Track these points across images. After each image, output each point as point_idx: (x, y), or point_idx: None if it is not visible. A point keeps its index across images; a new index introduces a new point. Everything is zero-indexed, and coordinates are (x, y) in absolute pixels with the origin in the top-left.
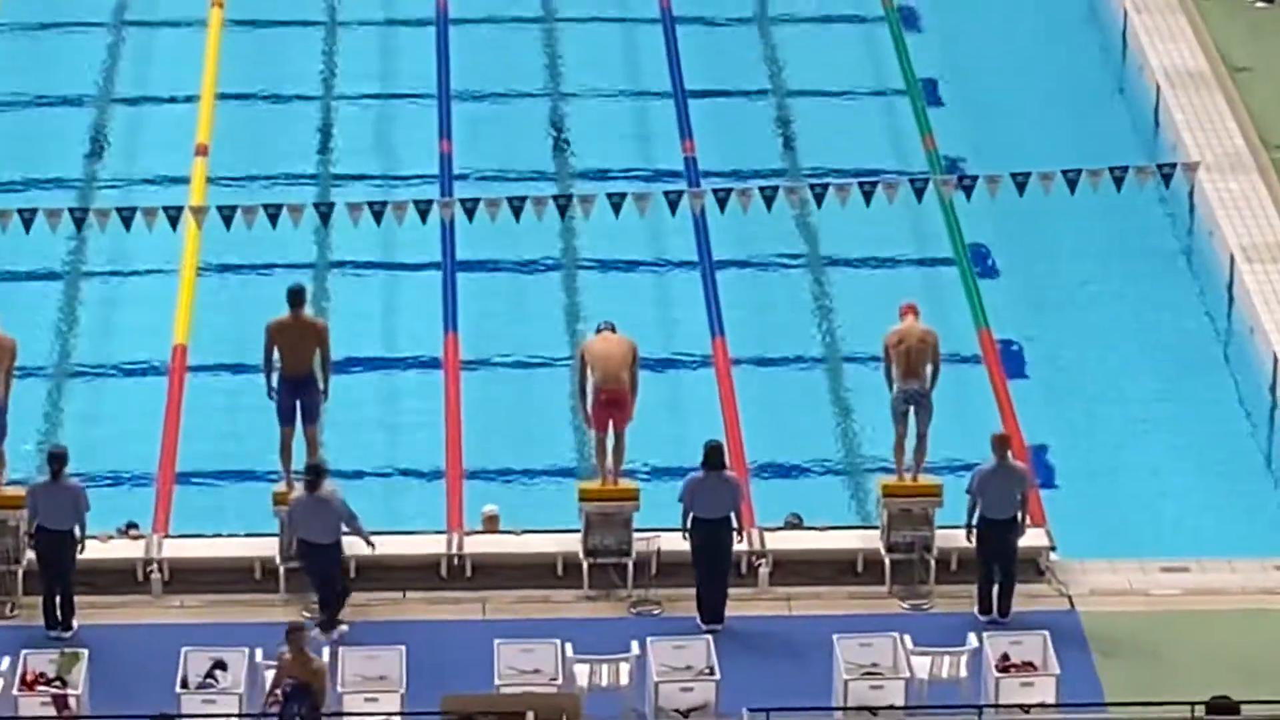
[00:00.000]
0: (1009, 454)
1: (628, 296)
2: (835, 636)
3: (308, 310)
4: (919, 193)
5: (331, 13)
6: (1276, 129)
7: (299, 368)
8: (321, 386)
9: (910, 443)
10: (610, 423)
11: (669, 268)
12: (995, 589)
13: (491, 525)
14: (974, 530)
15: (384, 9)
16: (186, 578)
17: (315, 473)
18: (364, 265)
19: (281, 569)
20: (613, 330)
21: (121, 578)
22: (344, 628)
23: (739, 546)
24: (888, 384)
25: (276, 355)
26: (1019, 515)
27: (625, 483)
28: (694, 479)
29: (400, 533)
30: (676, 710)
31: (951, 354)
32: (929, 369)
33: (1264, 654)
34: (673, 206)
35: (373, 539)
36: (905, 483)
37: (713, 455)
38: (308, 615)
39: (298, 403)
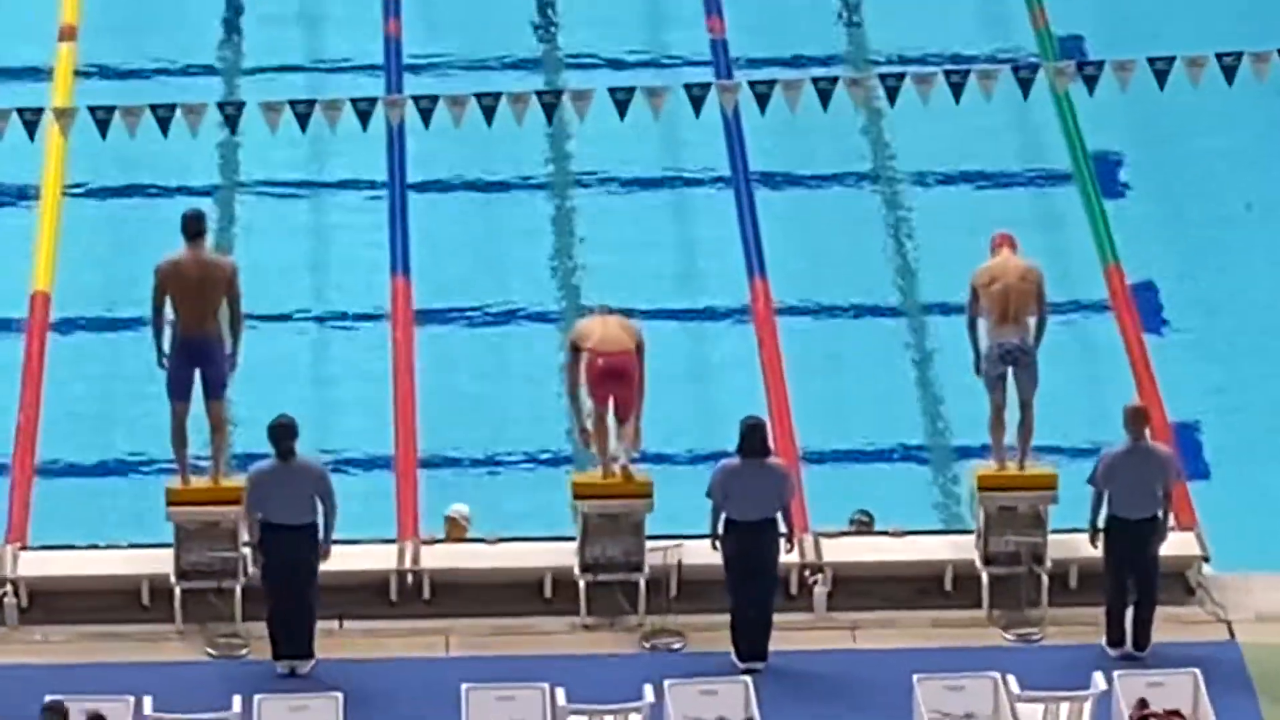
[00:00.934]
0: (1147, 433)
1: (637, 225)
2: (916, 677)
3: (210, 246)
4: (1025, 85)
5: None
6: None
7: (199, 324)
8: (229, 350)
9: (1013, 417)
10: (611, 401)
11: (692, 187)
12: (1130, 612)
13: (457, 531)
14: (1101, 534)
15: None
16: (50, 603)
17: (286, 434)
18: (285, 187)
19: (178, 590)
20: (610, 314)
21: None
22: (313, 662)
23: (788, 558)
24: (971, 341)
25: (169, 308)
26: (1161, 514)
27: (636, 475)
28: (728, 468)
29: (336, 541)
30: None
31: (1066, 299)
32: (1032, 318)
33: None
34: (696, 105)
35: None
36: (1007, 472)
37: (752, 437)
38: (217, 650)
39: (197, 372)
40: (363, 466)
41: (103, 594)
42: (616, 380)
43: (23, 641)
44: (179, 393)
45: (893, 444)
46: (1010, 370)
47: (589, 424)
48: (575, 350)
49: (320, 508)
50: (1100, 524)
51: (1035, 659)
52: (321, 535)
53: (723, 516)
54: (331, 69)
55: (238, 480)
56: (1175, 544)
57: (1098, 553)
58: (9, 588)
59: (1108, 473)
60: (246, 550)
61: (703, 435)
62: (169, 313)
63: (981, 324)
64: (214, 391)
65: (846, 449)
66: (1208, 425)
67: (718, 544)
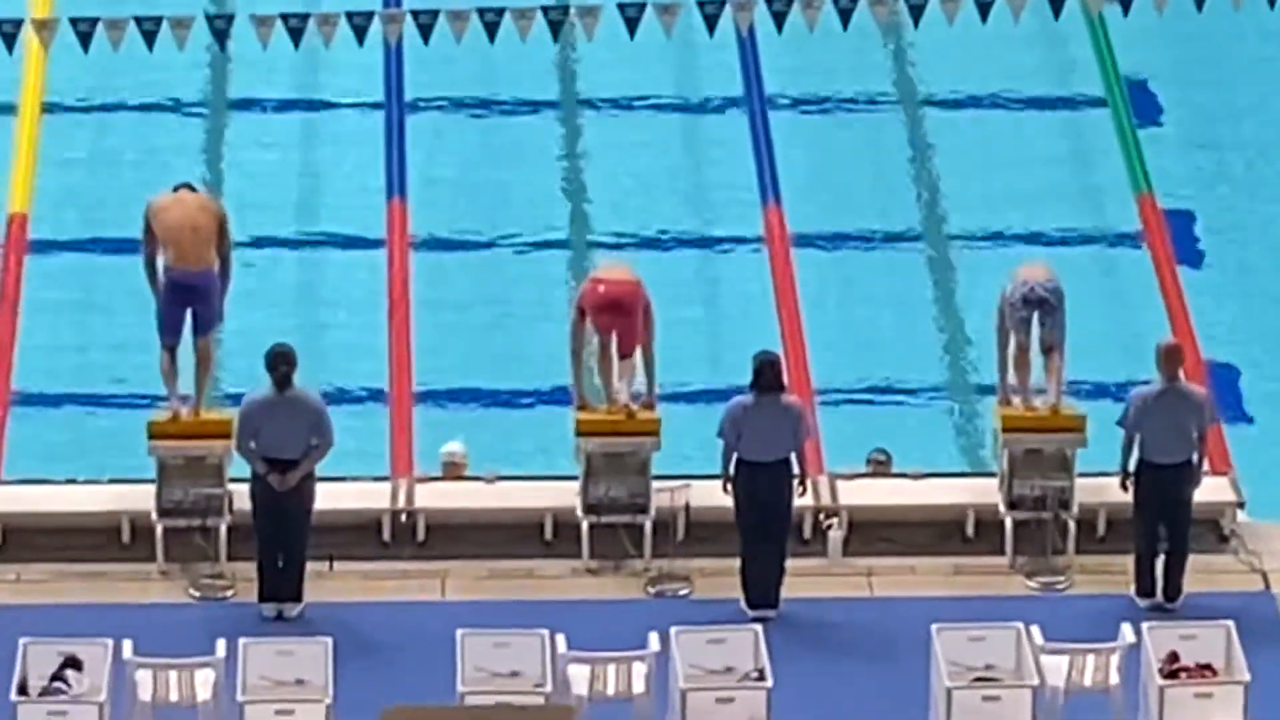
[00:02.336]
0: (1180, 373)
1: (647, 148)
2: (935, 627)
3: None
4: (1055, 5)
5: None
6: None
7: (193, 258)
8: (220, 285)
9: (1038, 360)
10: (615, 334)
11: (705, 109)
12: (1161, 561)
13: (454, 471)
14: (1131, 478)
15: None
16: (26, 540)
17: (283, 360)
18: (277, 107)
19: (159, 528)
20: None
21: None
22: (301, 605)
23: (801, 500)
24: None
25: (161, 248)
26: (1194, 459)
27: (643, 412)
28: (739, 405)
29: (326, 479)
30: None
31: (1097, 229)
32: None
33: None
34: (710, 23)
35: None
36: (1034, 412)
37: (765, 372)
38: (200, 591)
39: (189, 311)
40: (356, 400)
41: (81, 531)
42: (617, 310)
43: None
44: (169, 331)
45: (913, 381)
46: (1035, 316)
47: (594, 362)
48: (581, 313)
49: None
50: (1131, 468)
51: (1060, 609)
52: (301, 463)
53: (734, 457)
54: None
55: (224, 414)
56: (1209, 490)
57: (1127, 498)
58: None
59: (1139, 415)
60: (234, 486)
61: (713, 371)
62: (162, 256)
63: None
64: (203, 329)
65: (864, 386)
66: (1244, 365)
67: (728, 486)
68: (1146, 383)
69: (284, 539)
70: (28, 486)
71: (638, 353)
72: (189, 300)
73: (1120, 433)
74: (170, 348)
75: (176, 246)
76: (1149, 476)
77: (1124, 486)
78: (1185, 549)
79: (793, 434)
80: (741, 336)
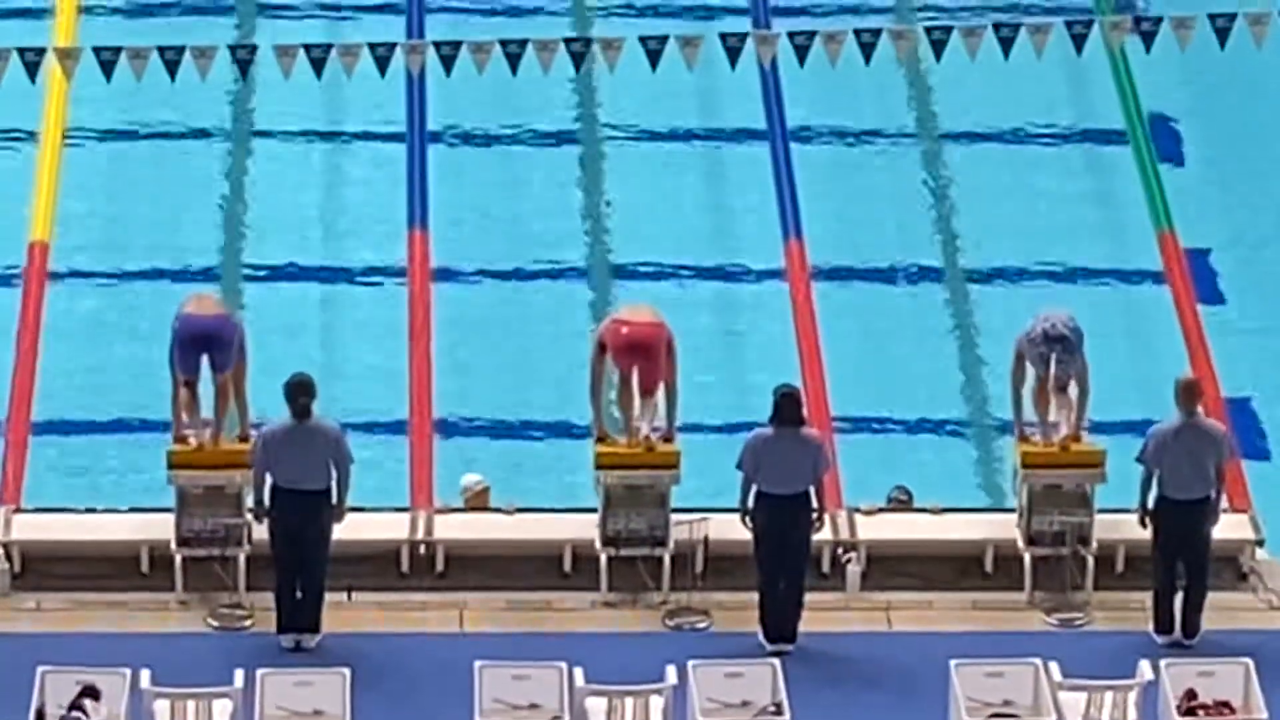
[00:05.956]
0: (1199, 409)
1: (668, 181)
2: (953, 663)
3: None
4: (1078, 40)
5: None
6: None
7: (209, 304)
8: (236, 339)
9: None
10: (635, 373)
11: (726, 142)
12: (1179, 598)
13: (479, 502)
14: (1150, 515)
15: None
16: (45, 569)
17: (303, 391)
18: (299, 136)
19: (178, 557)
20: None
21: None
22: (319, 636)
23: (820, 535)
24: (1014, 405)
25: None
26: (1213, 495)
27: (662, 445)
28: (759, 439)
29: (349, 509)
30: None
31: (1119, 268)
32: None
33: None
34: (733, 56)
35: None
36: (1053, 449)
37: (785, 406)
38: (219, 621)
39: (205, 356)
40: (375, 431)
41: (100, 560)
42: (641, 353)
43: (15, 608)
44: (185, 366)
45: (933, 417)
46: (1054, 356)
47: (614, 395)
48: (602, 348)
49: (334, 473)
50: (1150, 504)
51: (1079, 645)
52: (335, 498)
53: (753, 490)
54: (348, 8)
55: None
56: (1228, 527)
57: (1146, 534)
58: (1, 552)
59: (1157, 450)
60: (251, 515)
61: (733, 405)
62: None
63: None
64: (221, 365)
65: (884, 421)
66: (1264, 402)
67: (748, 519)
68: (1165, 419)
69: (303, 569)
70: (47, 515)
71: (660, 389)
72: (206, 345)
73: (1139, 468)
74: (184, 384)
75: (196, 299)
76: (1167, 513)
77: (1143, 523)
78: (1204, 586)
79: (812, 467)
80: (761, 370)
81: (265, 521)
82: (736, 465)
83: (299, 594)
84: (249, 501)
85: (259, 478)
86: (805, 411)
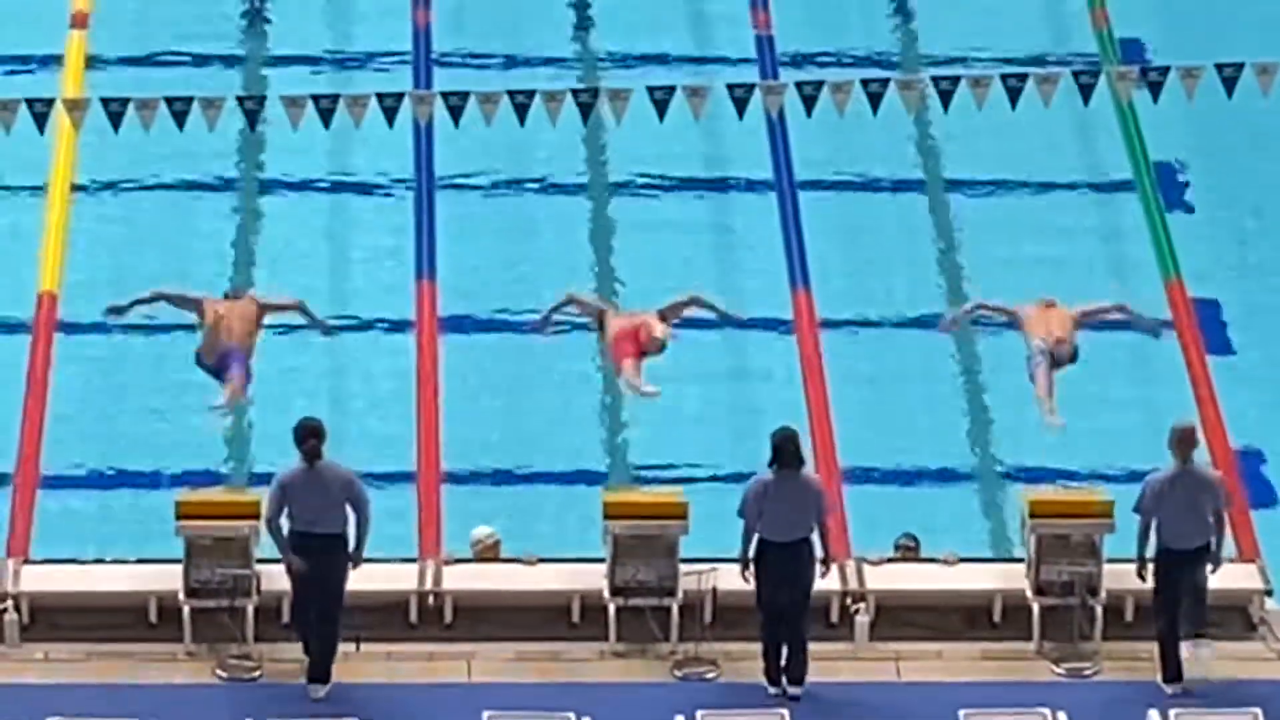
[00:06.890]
0: (1194, 456)
1: (675, 231)
2: (962, 713)
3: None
4: (1085, 90)
5: None
6: None
7: (222, 343)
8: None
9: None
10: (638, 360)
11: (734, 191)
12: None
13: (489, 555)
14: (1149, 566)
15: None
16: (53, 620)
17: (312, 434)
18: (306, 186)
19: (187, 608)
20: None
21: None
22: (329, 686)
23: (828, 585)
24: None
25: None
26: (1212, 543)
27: (668, 494)
28: (760, 483)
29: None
30: None
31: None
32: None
33: None
34: (740, 106)
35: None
36: (1061, 496)
37: (785, 448)
38: (227, 672)
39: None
40: (383, 481)
41: (108, 611)
42: (634, 340)
43: (24, 659)
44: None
45: (940, 466)
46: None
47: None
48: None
49: (352, 516)
50: (1148, 555)
51: (1088, 695)
52: (353, 544)
53: (754, 537)
54: (356, 59)
55: (251, 494)
56: (1236, 576)
57: (1148, 585)
58: (10, 603)
59: (1154, 500)
60: (262, 566)
61: (742, 455)
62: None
63: None
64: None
65: (892, 471)
66: (1273, 451)
67: (748, 568)
68: (1158, 468)
69: (318, 618)
70: (55, 566)
71: (661, 329)
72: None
73: (1136, 520)
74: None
75: (212, 333)
76: (1167, 563)
77: (1141, 574)
78: (1203, 621)
79: (815, 509)
80: (770, 421)
81: (294, 565)
82: (738, 512)
83: (310, 643)
84: (256, 552)
85: (276, 521)
86: (808, 454)
